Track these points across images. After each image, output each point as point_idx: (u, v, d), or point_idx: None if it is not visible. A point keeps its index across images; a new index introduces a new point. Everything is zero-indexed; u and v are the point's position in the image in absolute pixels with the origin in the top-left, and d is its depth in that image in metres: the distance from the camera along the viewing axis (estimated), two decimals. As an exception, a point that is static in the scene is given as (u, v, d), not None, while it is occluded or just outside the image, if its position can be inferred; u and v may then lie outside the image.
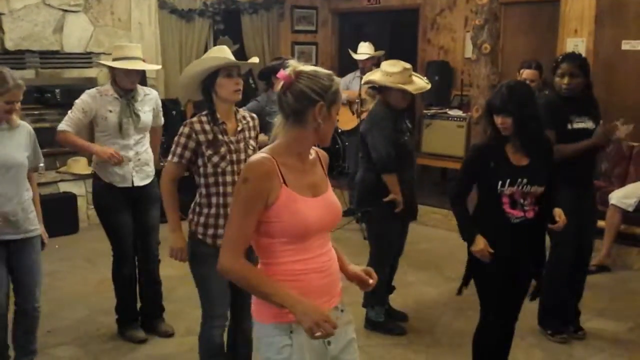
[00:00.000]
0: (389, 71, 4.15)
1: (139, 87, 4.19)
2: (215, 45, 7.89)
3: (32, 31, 6.62)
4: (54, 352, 4.07)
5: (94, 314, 4.61)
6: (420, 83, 4.24)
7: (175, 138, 3.14)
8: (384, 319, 4.39)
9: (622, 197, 5.45)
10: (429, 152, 7.33)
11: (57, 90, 6.61)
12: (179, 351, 4.07)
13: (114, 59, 4.05)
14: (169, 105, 7.30)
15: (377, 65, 7.12)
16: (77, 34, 6.96)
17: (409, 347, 4.18)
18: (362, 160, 4.35)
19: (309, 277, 2.16)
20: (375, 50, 6.98)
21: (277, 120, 2.18)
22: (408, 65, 4.23)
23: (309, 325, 2.01)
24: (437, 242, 6.37)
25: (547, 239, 3.58)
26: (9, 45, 6.49)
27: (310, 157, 2.25)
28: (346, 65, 8.32)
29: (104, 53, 6.94)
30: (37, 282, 3.60)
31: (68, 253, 5.84)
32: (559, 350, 4.11)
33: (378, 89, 4.26)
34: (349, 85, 7.03)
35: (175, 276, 5.40)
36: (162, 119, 4.44)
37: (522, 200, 3.11)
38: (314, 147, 2.28)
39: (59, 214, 6.22)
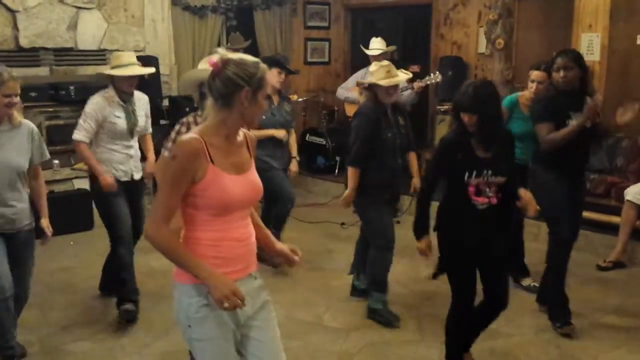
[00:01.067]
0: (370, 70, 4.54)
1: (135, 92, 4.60)
2: (227, 41, 7.92)
3: (46, 28, 6.66)
4: (69, 347, 4.10)
5: (109, 310, 4.64)
6: (401, 77, 4.55)
7: (173, 134, 3.25)
8: (381, 306, 4.49)
9: (638, 192, 5.41)
10: (442, 148, 7.29)
11: (72, 87, 6.64)
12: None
13: (113, 67, 4.45)
14: (183, 102, 7.32)
15: (390, 60, 7.12)
16: (91, 31, 6.99)
17: (422, 343, 4.17)
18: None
19: (229, 245, 2.38)
20: (387, 45, 6.96)
21: (208, 103, 2.38)
22: (386, 63, 4.54)
23: (218, 297, 2.25)
24: (451, 239, 6.34)
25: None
26: (24, 42, 6.53)
27: (238, 139, 2.43)
28: (359, 61, 8.31)
29: (117, 50, 6.97)
30: (29, 272, 3.78)
31: (83, 249, 5.88)
32: (575, 346, 4.08)
33: (367, 88, 4.54)
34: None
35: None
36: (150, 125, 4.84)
37: (486, 189, 3.34)
38: (243, 130, 2.47)
39: (74, 211, 6.26)
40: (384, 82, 4.35)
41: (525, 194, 3.47)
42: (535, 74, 4.93)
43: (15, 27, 6.49)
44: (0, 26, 6.42)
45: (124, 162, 4.53)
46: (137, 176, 4.65)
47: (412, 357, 3.99)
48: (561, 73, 4.14)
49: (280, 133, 5.24)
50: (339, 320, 4.51)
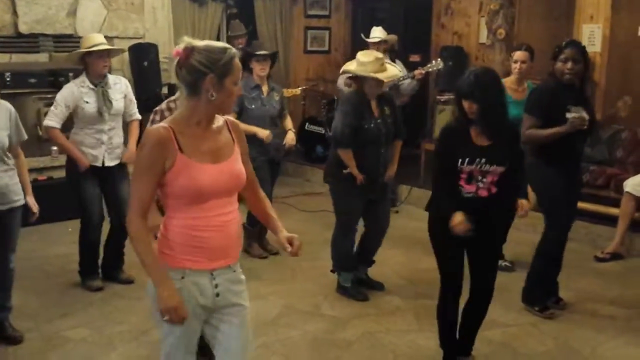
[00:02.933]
0: (363, 61, 4.44)
1: (109, 76, 4.68)
2: (227, 29, 7.89)
3: (46, 14, 6.63)
4: (68, 334, 4.11)
5: (107, 297, 4.65)
6: (392, 71, 4.56)
7: (148, 124, 3.47)
8: (350, 284, 4.72)
9: (637, 184, 5.41)
10: (442, 138, 7.27)
11: (71, 74, 6.57)
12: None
13: (85, 49, 4.55)
14: (182, 90, 7.29)
15: (390, 50, 7.10)
16: (90, 18, 6.96)
17: (419, 333, 4.18)
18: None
19: (209, 235, 2.36)
20: (388, 34, 6.93)
21: (179, 92, 2.42)
22: (380, 55, 4.54)
23: (161, 308, 2.27)
24: (449, 229, 6.34)
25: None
26: (23, 28, 6.50)
27: (216, 125, 2.42)
28: (359, 50, 8.27)
29: (117, 37, 6.95)
30: (13, 248, 3.91)
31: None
32: (572, 337, 4.09)
33: (354, 78, 4.54)
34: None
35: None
36: (137, 111, 4.90)
37: (480, 177, 3.34)
38: (224, 117, 2.46)
39: (70, 198, 6.23)
40: (382, 76, 4.37)
41: (522, 207, 3.50)
42: (518, 54, 5.02)
43: (15, 13, 6.45)
44: (0, 12, 6.39)
45: (94, 146, 4.62)
46: (110, 163, 4.70)
47: (409, 346, 4.00)
48: (569, 64, 4.08)
49: (263, 133, 5.14)
50: (337, 309, 4.52)
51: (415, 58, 8.47)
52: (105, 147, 4.65)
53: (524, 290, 4.44)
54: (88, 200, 4.70)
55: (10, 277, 3.94)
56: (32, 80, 6.43)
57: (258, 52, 5.26)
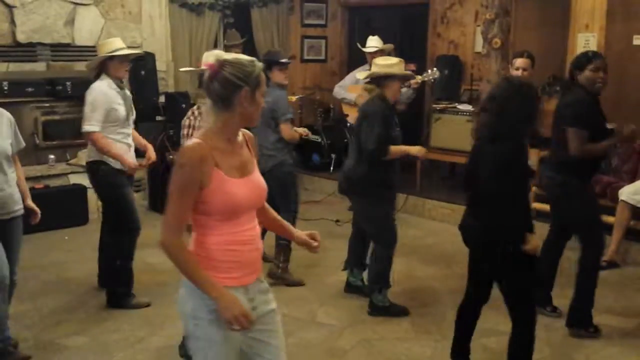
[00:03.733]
0: (389, 63, 4.40)
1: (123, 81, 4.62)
2: (224, 38, 7.92)
3: (44, 24, 6.65)
4: (63, 342, 4.10)
5: (103, 304, 4.64)
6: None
7: (182, 141, 3.38)
8: (389, 303, 4.54)
9: (632, 193, 5.42)
10: (438, 147, 7.30)
11: (68, 83, 6.64)
12: (187, 343, 4.09)
13: (110, 52, 4.41)
14: (179, 99, 7.32)
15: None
16: (88, 27, 6.99)
17: (415, 341, 4.18)
18: (353, 152, 4.52)
19: (243, 249, 2.36)
20: (384, 43, 6.96)
21: (206, 106, 2.37)
22: (398, 59, 4.51)
23: (228, 318, 2.24)
24: (446, 237, 6.36)
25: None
26: (21, 37, 6.53)
27: (238, 138, 2.41)
28: (356, 60, 8.32)
29: (114, 46, 6.97)
30: (17, 258, 3.85)
31: (78, 244, 5.88)
32: (567, 345, 4.10)
33: (377, 83, 4.42)
34: (359, 80, 7.01)
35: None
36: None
37: None
38: (241, 130, 2.44)
39: (69, 206, 6.27)
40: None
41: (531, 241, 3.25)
42: (520, 61, 4.98)
43: (13, 22, 6.48)
44: (-3, 21, 6.42)
45: (125, 152, 4.48)
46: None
47: (405, 354, 4.01)
48: (601, 74, 4.03)
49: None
50: (333, 316, 4.52)
51: (411, 67, 8.47)
52: (132, 152, 4.57)
53: (574, 314, 4.21)
54: (132, 207, 4.54)
55: (12, 290, 3.85)
56: (30, 89, 6.46)
57: (283, 60, 5.14)
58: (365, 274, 4.81)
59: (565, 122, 4.06)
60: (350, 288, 4.88)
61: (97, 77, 4.48)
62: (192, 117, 3.76)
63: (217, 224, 2.32)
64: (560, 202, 4.20)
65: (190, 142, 2.32)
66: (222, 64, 2.29)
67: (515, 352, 3.41)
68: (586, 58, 4.13)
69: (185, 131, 3.76)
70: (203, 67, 2.35)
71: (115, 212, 4.54)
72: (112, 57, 4.43)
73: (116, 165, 4.43)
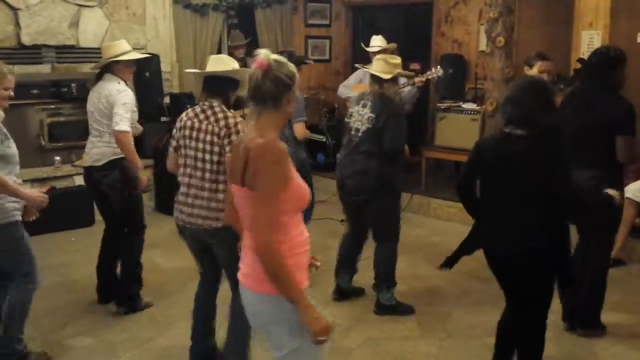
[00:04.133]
0: (397, 62, 4.50)
1: None
2: (228, 39, 7.93)
3: (48, 26, 6.68)
4: (70, 343, 4.12)
5: (110, 306, 4.65)
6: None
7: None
8: (395, 302, 4.57)
9: (637, 190, 5.41)
10: (443, 146, 7.30)
11: (73, 85, 6.66)
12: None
13: (118, 55, 4.41)
14: (183, 99, 7.33)
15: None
16: (92, 29, 7.01)
17: (421, 340, 4.19)
18: (376, 152, 4.40)
19: (307, 249, 2.39)
20: (388, 43, 6.96)
21: (252, 108, 2.35)
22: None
23: (318, 330, 2.22)
24: (451, 236, 6.32)
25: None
26: (26, 40, 6.55)
27: None
28: (360, 59, 8.27)
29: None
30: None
31: (83, 245, 5.90)
32: (574, 343, 4.10)
33: (380, 83, 4.45)
34: (362, 79, 7.02)
35: (188, 268, 5.47)
36: None
37: None
38: None
39: (75, 207, 6.28)
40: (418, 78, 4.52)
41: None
42: (545, 64, 4.85)
43: (17, 24, 6.50)
44: (2, 23, 6.44)
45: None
46: None
47: (411, 353, 4.01)
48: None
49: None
50: (338, 316, 4.52)
51: (415, 66, 8.50)
52: None
53: (589, 317, 4.17)
54: (142, 209, 4.64)
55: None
56: (35, 91, 6.48)
57: (308, 61, 5.25)
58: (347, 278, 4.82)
59: (619, 130, 3.85)
60: (339, 294, 4.81)
61: (98, 78, 4.49)
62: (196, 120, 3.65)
63: (291, 222, 2.31)
64: (599, 207, 4.02)
65: (270, 139, 2.28)
66: (272, 63, 2.30)
67: (525, 354, 3.33)
68: (620, 58, 3.98)
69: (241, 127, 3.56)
70: (255, 65, 2.31)
71: (132, 211, 4.55)
72: (119, 61, 4.44)
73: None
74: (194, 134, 3.42)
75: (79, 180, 6.65)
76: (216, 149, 3.36)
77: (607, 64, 3.94)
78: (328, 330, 2.24)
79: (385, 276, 4.56)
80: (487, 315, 4.10)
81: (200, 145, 3.40)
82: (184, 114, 3.55)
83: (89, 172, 4.57)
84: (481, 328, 4.21)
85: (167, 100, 7.48)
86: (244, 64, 6.76)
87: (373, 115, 4.40)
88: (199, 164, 3.40)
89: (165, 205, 7.15)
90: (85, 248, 5.82)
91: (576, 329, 4.18)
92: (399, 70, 4.52)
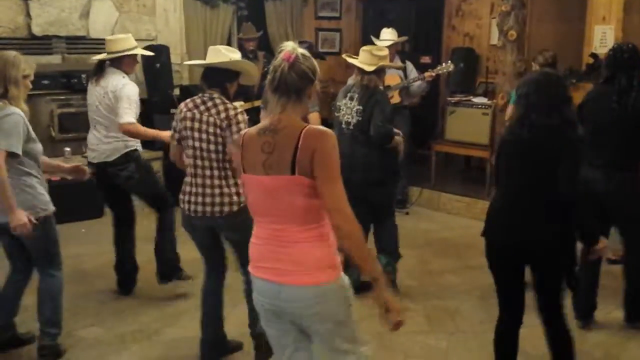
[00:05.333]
0: (384, 55, 4.62)
1: None
2: (239, 31, 7.92)
3: (59, 17, 6.68)
4: (80, 333, 4.14)
5: (119, 296, 4.68)
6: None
7: (242, 125, 3.33)
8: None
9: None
10: (453, 140, 7.26)
11: (83, 76, 6.65)
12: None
13: (128, 49, 4.47)
14: (193, 91, 7.31)
15: (401, 52, 7.10)
16: (102, 20, 7.01)
17: (430, 334, 4.18)
18: (373, 142, 4.46)
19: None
20: (399, 36, 6.93)
21: (274, 98, 2.32)
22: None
23: (398, 308, 2.30)
24: (460, 230, 6.34)
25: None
26: (36, 30, 6.56)
27: None
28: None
29: (129, 39, 6.99)
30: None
31: (93, 237, 5.92)
32: (584, 339, 4.07)
33: (377, 73, 4.56)
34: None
35: (198, 259, 5.46)
36: None
37: None
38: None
39: (85, 198, 6.29)
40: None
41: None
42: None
43: (28, 15, 6.51)
44: (13, 14, 6.45)
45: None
46: None
47: (420, 347, 4.01)
48: None
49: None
50: (348, 310, 4.52)
51: (426, 59, 8.47)
52: None
53: (634, 309, 4.23)
54: (162, 186, 4.80)
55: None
56: (45, 82, 6.48)
57: (324, 57, 5.39)
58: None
59: None
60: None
61: (99, 70, 4.51)
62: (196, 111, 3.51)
63: (323, 209, 2.31)
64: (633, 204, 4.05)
65: (316, 126, 2.33)
66: (299, 56, 2.30)
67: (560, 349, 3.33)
68: None
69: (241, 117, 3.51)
70: (282, 57, 2.29)
71: (158, 192, 4.68)
72: (130, 55, 4.48)
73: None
74: (196, 125, 3.41)
75: (91, 175, 6.67)
76: (220, 139, 3.38)
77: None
78: (400, 311, 2.30)
79: (394, 248, 4.74)
80: (496, 310, 4.06)
81: (204, 136, 3.40)
82: (182, 105, 3.52)
83: (101, 168, 4.56)
84: (490, 323, 4.16)
85: (177, 92, 7.47)
86: (254, 56, 6.74)
87: (361, 108, 4.46)
88: (205, 154, 3.42)
89: (176, 197, 7.16)
90: (95, 239, 5.84)
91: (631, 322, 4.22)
92: (384, 62, 4.55)
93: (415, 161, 7.46)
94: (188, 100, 3.54)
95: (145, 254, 4.77)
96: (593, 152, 3.91)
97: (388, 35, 6.83)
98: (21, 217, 3.46)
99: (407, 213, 6.70)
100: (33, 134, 3.59)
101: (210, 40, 8.03)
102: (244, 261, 3.45)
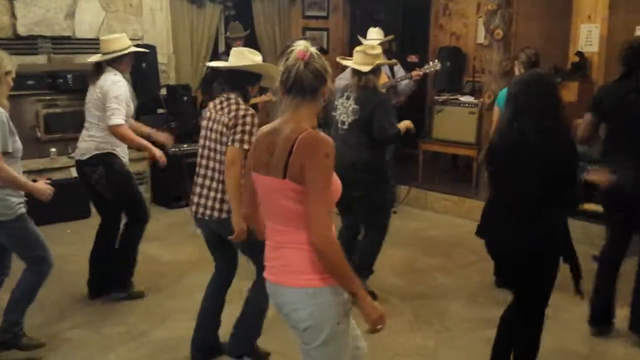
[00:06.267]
0: (379, 53, 4.53)
1: None
2: (225, 31, 7.89)
3: (44, 17, 6.63)
4: (67, 335, 4.12)
5: (106, 298, 4.64)
6: None
7: (248, 127, 3.30)
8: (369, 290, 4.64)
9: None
10: (440, 139, 7.29)
11: (69, 76, 6.62)
12: (190, 335, 4.09)
13: (127, 48, 4.48)
14: (180, 91, 7.31)
15: (388, 51, 7.10)
16: (88, 20, 6.96)
17: (417, 333, 4.19)
18: (364, 143, 4.42)
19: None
20: (385, 35, 6.93)
21: (288, 99, 2.28)
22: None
23: (376, 319, 2.26)
24: (447, 229, 6.36)
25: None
26: (21, 30, 6.51)
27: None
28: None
29: (115, 39, 6.95)
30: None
31: (80, 237, 5.87)
32: (570, 336, 4.10)
33: (359, 75, 4.48)
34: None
35: (185, 261, 5.45)
36: None
37: None
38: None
39: (71, 199, 6.25)
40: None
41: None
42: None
43: (13, 15, 6.45)
44: (-2, 14, 6.40)
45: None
46: None
47: (408, 346, 4.01)
48: None
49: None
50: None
51: (413, 59, 8.49)
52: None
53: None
54: (141, 197, 4.65)
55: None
56: (31, 82, 6.43)
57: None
58: None
59: None
60: None
61: (97, 71, 4.45)
62: (213, 111, 3.53)
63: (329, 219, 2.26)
64: None
65: (316, 132, 2.25)
66: (314, 54, 2.27)
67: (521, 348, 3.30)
68: None
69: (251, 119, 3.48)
70: (297, 56, 2.25)
71: (130, 204, 4.55)
72: (127, 54, 4.47)
73: (122, 158, 4.50)
74: (210, 124, 3.44)
75: (76, 172, 6.63)
76: (224, 139, 3.36)
77: None
78: (383, 319, 2.28)
79: (366, 265, 4.60)
80: (483, 309, 4.11)
81: (213, 135, 3.41)
82: (210, 104, 3.55)
83: (78, 166, 4.59)
84: (478, 321, 4.21)
85: (163, 92, 7.44)
86: None
87: (357, 107, 4.43)
88: (211, 154, 3.43)
89: (162, 198, 7.14)
90: (81, 240, 5.80)
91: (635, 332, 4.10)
92: (379, 60, 4.52)
93: (403, 160, 7.47)
94: (214, 100, 3.54)
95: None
96: (619, 150, 3.93)
97: (375, 35, 6.83)
98: (39, 187, 3.58)
99: (394, 212, 6.70)
100: (14, 130, 3.56)
101: (197, 40, 8.01)
102: (258, 267, 3.45)
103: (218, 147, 3.39)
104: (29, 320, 4.16)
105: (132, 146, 4.50)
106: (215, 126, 3.40)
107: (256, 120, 3.34)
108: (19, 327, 3.78)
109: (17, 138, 3.57)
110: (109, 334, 4.13)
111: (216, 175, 3.43)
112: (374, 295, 4.72)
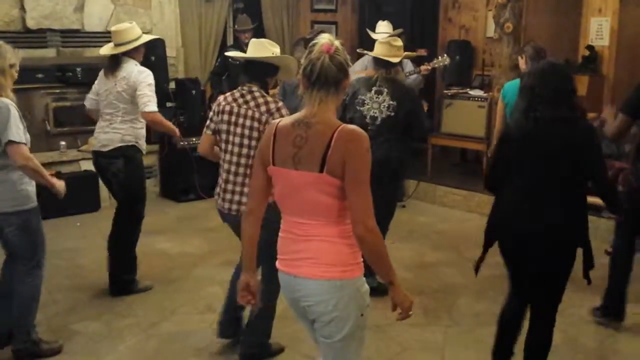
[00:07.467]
0: (400, 45, 4.42)
1: None
2: (234, 24, 7.88)
3: (54, 10, 6.64)
4: (76, 327, 4.13)
5: (115, 290, 4.66)
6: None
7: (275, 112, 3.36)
8: (377, 283, 4.37)
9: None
10: (449, 133, 7.27)
11: (79, 69, 6.64)
12: (200, 327, 4.11)
13: (140, 37, 4.49)
14: (189, 85, 7.30)
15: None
16: (97, 13, 6.97)
17: (426, 327, 4.18)
18: (393, 139, 4.34)
19: None
20: (394, 29, 6.91)
21: (312, 92, 2.26)
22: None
23: (408, 307, 2.36)
24: (456, 223, 6.35)
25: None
26: (31, 24, 6.52)
27: None
28: (365, 45, 8.23)
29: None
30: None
31: (89, 231, 5.91)
32: (580, 331, 4.09)
33: (386, 67, 4.40)
34: (368, 66, 6.97)
35: (194, 254, 5.47)
36: None
37: None
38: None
39: (81, 193, 6.28)
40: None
41: None
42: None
43: (23, 8, 6.47)
44: (8, 7, 6.41)
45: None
46: None
47: (416, 340, 4.01)
48: None
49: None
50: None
51: (422, 52, 8.45)
52: None
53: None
54: (145, 195, 4.63)
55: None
56: (40, 76, 6.46)
57: None
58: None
59: None
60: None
61: (115, 63, 4.43)
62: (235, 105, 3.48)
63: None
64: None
65: (350, 126, 2.27)
66: (337, 47, 2.26)
67: (534, 352, 3.26)
68: None
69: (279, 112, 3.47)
70: (322, 50, 2.24)
71: (136, 200, 4.55)
72: (143, 43, 4.49)
73: (142, 150, 4.55)
74: (233, 118, 3.40)
75: (85, 165, 6.65)
76: (255, 134, 3.34)
77: None
78: (411, 307, 2.37)
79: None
80: (492, 303, 4.07)
81: (239, 130, 3.38)
82: (221, 98, 3.50)
83: (96, 156, 4.56)
84: (487, 315, 4.20)
85: (172, 85, 7.45)
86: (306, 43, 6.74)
87: (394, 103, 4.31)
88: (236, 149, 3.40)
89: (170, 192, 7.15)
90: (90, 233, 5.84)
91: None
92: (404, 52, 4.49)
93: (412, 154, 7.45)
94: (227, 93, 3.51)
95: (140, 247, 4.74)
96: None
97: (384, 28, 6.81)
98: (59, 184, 3.61)
99: (403, 206, 6.70)
100: (24, 121, 3.54)
101: (205, 33, 8.00)
102: (266, 263, 3.42)
103: (246, 141, 3.37)
104: (39, 315, 4.19)
105: (165, 129, 4.60)
106: (242, 121, 3.37)
107: (287, 112, 3.32)
108: (33, 330, 3.72)
109: (26, 131, 3.57)
110: (119, 326, 4.15)
111: (241, 170, 3.40)
112: (384, 289, 4.75)
